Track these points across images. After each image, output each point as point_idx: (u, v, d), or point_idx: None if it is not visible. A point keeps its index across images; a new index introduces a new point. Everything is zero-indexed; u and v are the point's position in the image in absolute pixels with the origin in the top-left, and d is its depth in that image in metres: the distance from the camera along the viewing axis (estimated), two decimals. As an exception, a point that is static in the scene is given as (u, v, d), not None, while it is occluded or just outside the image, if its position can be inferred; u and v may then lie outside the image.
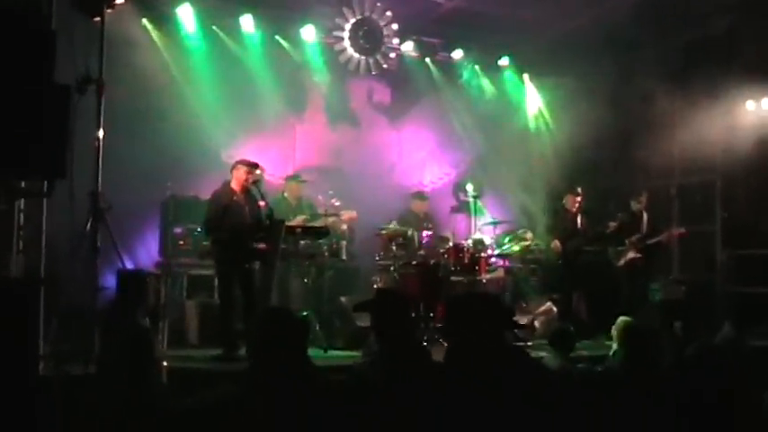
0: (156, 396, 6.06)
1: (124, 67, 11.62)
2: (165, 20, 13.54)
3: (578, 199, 13.43)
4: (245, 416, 4.80)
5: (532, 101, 16.83)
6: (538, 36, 14.90)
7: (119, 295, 7.90)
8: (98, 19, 8.97)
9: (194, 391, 6.84)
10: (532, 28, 14.62)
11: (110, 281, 9.22)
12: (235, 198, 10.51)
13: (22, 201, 8.33)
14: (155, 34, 13.35)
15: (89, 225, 8.57)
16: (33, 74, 7.31)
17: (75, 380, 7.34)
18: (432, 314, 11.70)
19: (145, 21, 13.27)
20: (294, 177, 13.11)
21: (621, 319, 7.60)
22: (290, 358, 5.07)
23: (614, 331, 7.75)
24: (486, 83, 16.48)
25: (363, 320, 9.67)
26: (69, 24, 8.34)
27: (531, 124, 16.80)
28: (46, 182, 7.90)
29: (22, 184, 8.10)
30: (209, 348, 10.41)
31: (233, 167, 10.77)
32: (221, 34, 14.02)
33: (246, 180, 10.56)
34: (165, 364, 7.15)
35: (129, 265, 10.47)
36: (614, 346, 7.87)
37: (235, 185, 10.60)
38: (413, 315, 6.22)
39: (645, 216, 13.41)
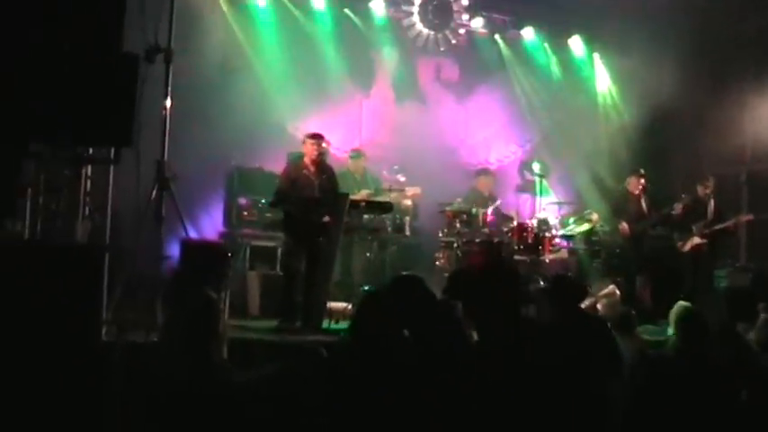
0: (215, 368, 6.08)
1: (193, 36, 11.71)
2: (234, -9, 13.59)
3: (642, 181, 13.20)
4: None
5: (601, 80, 16.59)
6: (609, 15, 14.67)
7: (189, 265, 7.95)
8: (168, -12, 9.00)
9: (252, 361, 6.89)
10: (604, 7, 14.40)
11: (174, 250, 9.30)
12: (305, 171, 10.50)
13: (89, 167, 8.41)
14: (224, 5, 13.40)
15: (154, 193, 8.65)
16: (102, 42, 7.36)
17: (136, 347, 7.42)
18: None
19: (215, -9, 13.33)
20: (358, 152, 13.08)
21: (679, 303, 7.51)
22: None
23: (671, 316, 7.66)
24: (555, 61, 16.29)
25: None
26: (139, -7, 8.38)
27: (600, 104, 16.57)
28: (113, 149, 7.96)
29: (90, 150, 8.17)
30: (269, 320, 10.44)
31: (303, 142, 10.79)
32: (290, 6, 14.04)
33: (313, 152, 10.55)
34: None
35: (193, 235, 10.56)
36: (670, 330, 7.78)
37: (306, 159, 10.60)
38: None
39: (711, 202, 13.14)
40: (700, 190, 13.19)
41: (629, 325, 8.26)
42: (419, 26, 14.84)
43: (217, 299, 6.66)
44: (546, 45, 16.21)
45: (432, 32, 14.92)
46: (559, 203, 13.85)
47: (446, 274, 10.46)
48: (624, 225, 13.01)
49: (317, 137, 10.67)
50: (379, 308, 5.65)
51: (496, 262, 11.77)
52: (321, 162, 10.59)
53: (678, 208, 12.97)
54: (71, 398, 6.54)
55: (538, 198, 13.41)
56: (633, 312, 8.61)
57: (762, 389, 6.55)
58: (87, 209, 8.44)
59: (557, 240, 12.88)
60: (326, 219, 10.37)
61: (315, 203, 10.37)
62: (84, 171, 8.30)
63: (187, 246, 8.42)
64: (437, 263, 12.42)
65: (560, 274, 10.97)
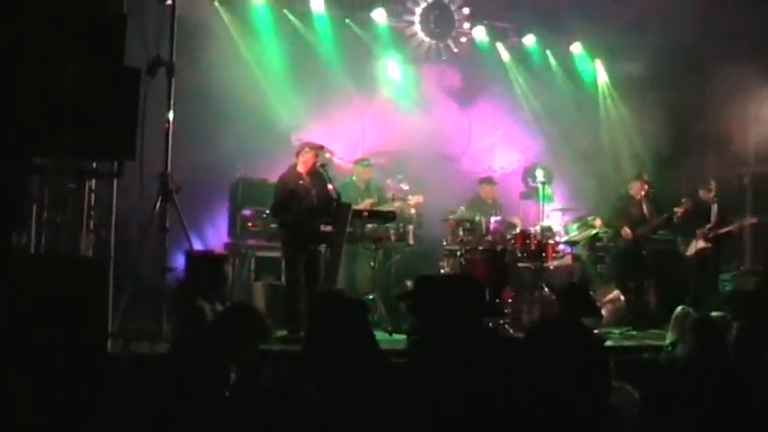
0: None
1: (195, 49, 11.78)
2: (236, 3, 13.65)
3: (645, 186, 13.24)
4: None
5: (603, 87, 16.63)
6: (610, 22, 14.69)
7: (189, 276, 7.99)
8: (169, 2, 9.08)
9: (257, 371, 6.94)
10: (605, 13, 14.43)
11: (178, 261, 9.36)
12: (301, 182, 10.58)
13: (93, 181, 8.48)
14: (226, 17, 13.46)
15: (158, 206, 8.72)
16: (104, 57, 7.43)
17: (142, 358, 7.47)
18: (498, 300, 11.68)
19: (216, 4, 13.39)
20: (362, 161, 13.12)
21: (680, 308, 7.52)
22: (346, 340, 5.11)
23: (672, 321, 7.67)
24: (557, 68, 16.32)
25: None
26: (141, 7, 8.47)
27: (602, 110, 16.60)
28: (116, 163, 8.03)
29: (94, 164, 8.24)
30: (275, 330, 10.47)
31: (299, 151, 10.82)
32: (292, 17, 14.09)
33: (314, 163, 10.61)
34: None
35: (198, 246, 10.62)
36: (669, 335, 7.79)
37: (301, 168, 10.66)
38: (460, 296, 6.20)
39: (714, 205, 13.15)
40: (702, 194, 13.24)
41: None
42: (421, 35, 14.86)
43: (200, 305, 6.74)
44: (548, 52, 16.23)
45: (433, 41, 14.94)
46: (563, 210, 13.88)
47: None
48: (626, 230, 13.03)
49: (318, 147, 10.74)
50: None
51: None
52: (317, 171, 10.64)
53: (679, 212, 13.00)
54: (78, 410, 6.58)
55: (541, 205, 13.42)
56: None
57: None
58: (92, 222, 8.52)
59: (560, 247, 12.89)
60: (326, 228, 10.44)
61: (315, 213, 10.44)
62: (88, 185, 8.37)
63: (190, 257, 8.50)
64: (441, 271, 12.43)
65: (576, 284, 11.04)
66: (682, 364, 6.74)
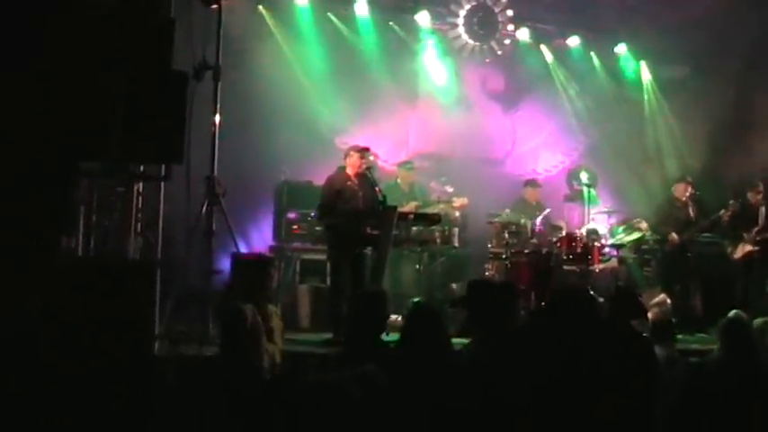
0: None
1: (240, 53, 11.84)
2: (280, 6, 13.70)
3: (689, 187, 13.10)
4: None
5: (648, 88, 16.48)
6: (655, 23, 14.57)
7: (236, 279, 8.02)
8: (215, 6, 9.13)
9: (300, 373, 6.97)
10: (650, 15, 14.32)
11: (224, 264, 9.40)
12: (348, 183, 10.60)
13: (141, 184, 8.54)
14: (270, 21, 13.51)
15: (204, 209, 8.77)
16: (152, 61, 7.48)
17: (188, 360, 7.52)
18: (543, 303, 11.62)
19: (261, 8, 13.45)
20: (406, 164, 13.13)
21: (734, 312, 7.44)
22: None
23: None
24: (601, 70, 16.19)
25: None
26: (187, 13, 8.52)
27: (647, 112, 16.45)
28: (163, 166, 8.08)
29: (141, 168, 8.30)
30: (320, 332, 10.52)
31: (346, 154, 10.85)
32: (336, 20, 14.12)
33: (360, 165, 10.63)
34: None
35: (243, 249, 10.67)
36: None
37: (349, 171, 10.69)
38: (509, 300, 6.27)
39: (762, 208, 12.98)
40: (751, 196, 13.04)
41: (667, 334, 8.21)
42: (464, 37, 14.77)
43: (240, 308, 6.77)
44: (592, 53, 16.10)
45: (477, 43, 14.86)
46: (608, 212, 13.77)
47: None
48: (674, 236, 12.85)
49: (364, 149, 10.76)
50: (429, 319, 5.71)
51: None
52: (364, 174, 10.66)
53: (725, 215, 12.82)
54: (126, 412, 6.62)
55: (586, 207, 13.33)
56: (672, 320, 8.55)
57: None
58: (139, 225, 8.58)
59: (606, 249, 12.81)
60: (372, 231, 10.44)
61: (361, 215, 10.45)
62: (135, 188, 8.43)
63: (236, 260, 8.54)
64: (486, 274, 12.39)
65: (623, 287, 10.93)
66: (712, 367, 6.72)
